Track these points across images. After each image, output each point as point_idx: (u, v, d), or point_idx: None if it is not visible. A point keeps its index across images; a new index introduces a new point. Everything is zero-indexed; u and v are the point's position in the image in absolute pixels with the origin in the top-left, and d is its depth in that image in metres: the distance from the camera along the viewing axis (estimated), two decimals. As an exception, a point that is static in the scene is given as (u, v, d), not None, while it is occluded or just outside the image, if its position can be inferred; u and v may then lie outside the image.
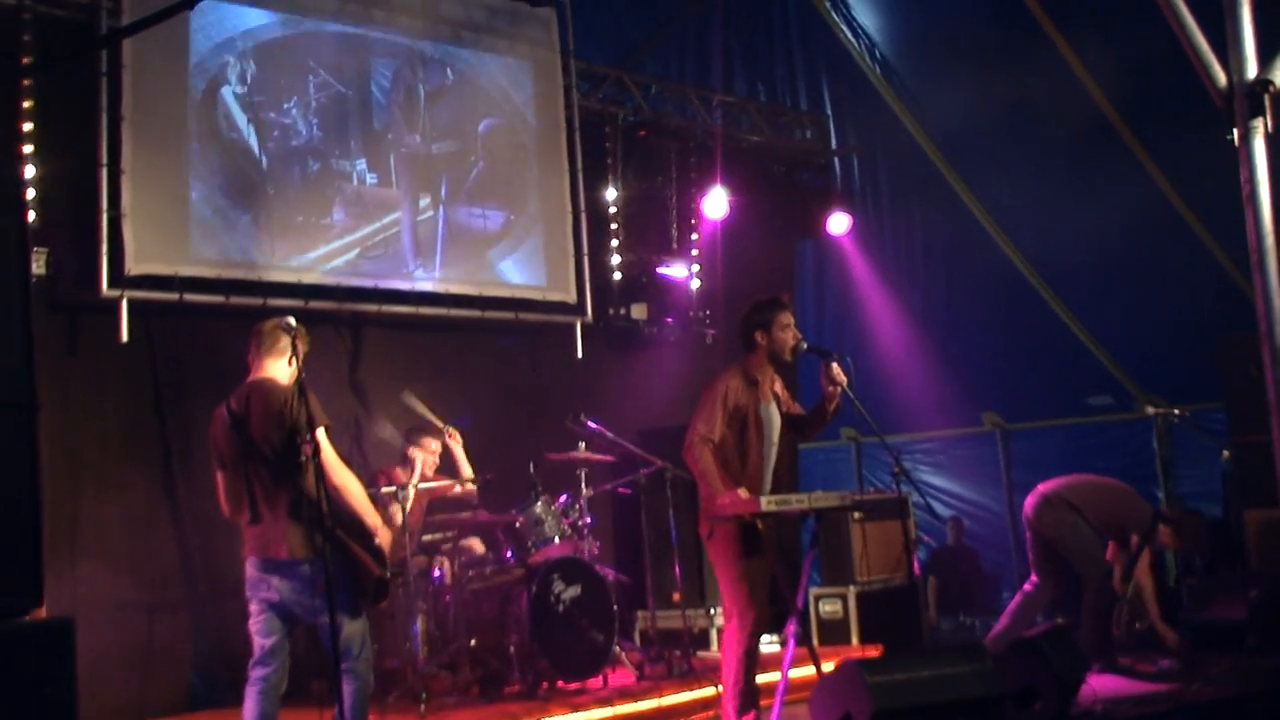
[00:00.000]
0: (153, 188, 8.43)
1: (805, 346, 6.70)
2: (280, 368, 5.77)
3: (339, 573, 5.46)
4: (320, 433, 5.48)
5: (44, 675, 4.46)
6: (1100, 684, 7.41)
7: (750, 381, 6.58)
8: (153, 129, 8.47)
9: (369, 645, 5.73)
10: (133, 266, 8.25)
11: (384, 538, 5.73)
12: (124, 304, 8.25)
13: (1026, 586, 8.97)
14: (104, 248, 8.17)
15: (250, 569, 5.68)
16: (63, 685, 4.55)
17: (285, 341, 5.67)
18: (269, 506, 5.60)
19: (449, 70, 10.24)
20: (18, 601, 4.50)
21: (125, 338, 8.27)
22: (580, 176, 10.85)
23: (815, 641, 9.57)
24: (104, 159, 8.23)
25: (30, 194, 7.76)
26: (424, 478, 8.46)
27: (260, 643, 5.66)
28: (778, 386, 6.74)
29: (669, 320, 11.62)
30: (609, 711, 7.47)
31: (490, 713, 7.30)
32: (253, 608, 5.69)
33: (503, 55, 10.58)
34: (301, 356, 5.62)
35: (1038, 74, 10.75)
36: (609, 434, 8.74)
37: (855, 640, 9.80)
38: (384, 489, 7.81)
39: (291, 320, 5.65)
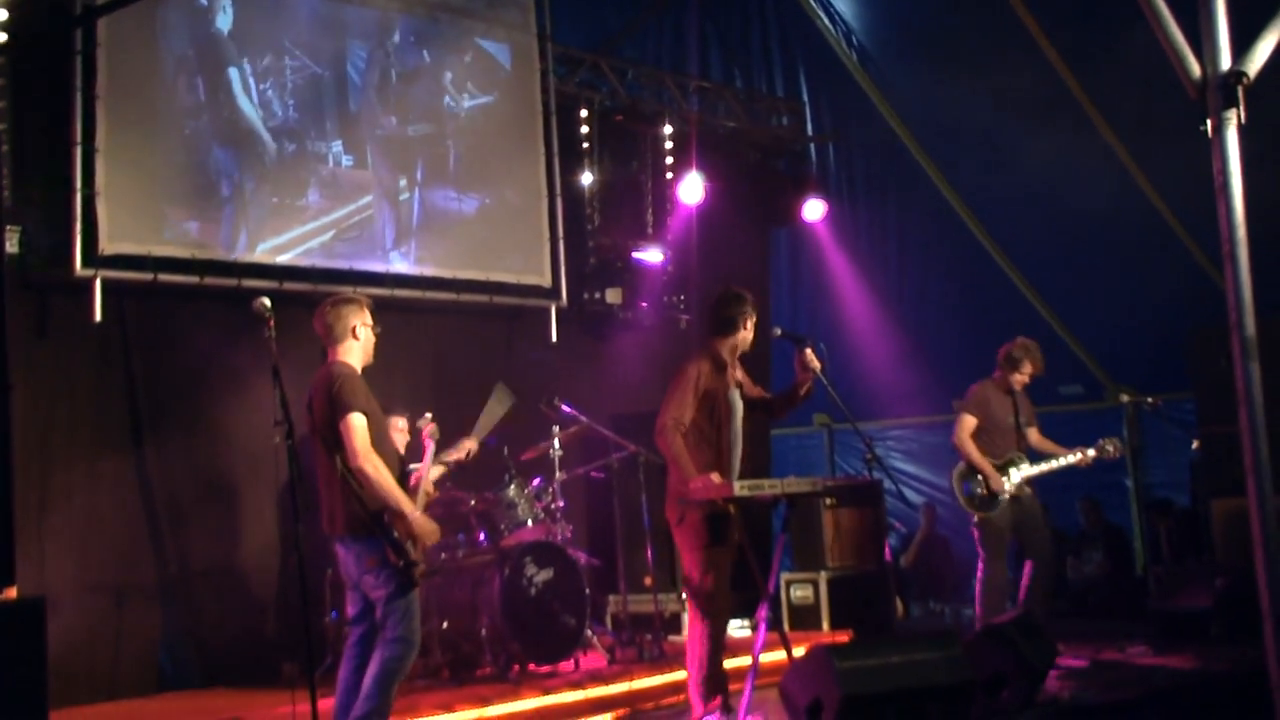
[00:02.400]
0: (127, 167, 8.39)
1: (779, 332, 6.72)
2: (350, 350, 5.85)
3: (383, 551, 5.57)
4: (356, 418, 5.55)
5: (14, 655, 4.46)
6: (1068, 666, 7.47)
7: (719, 366, 6.59)
8: (127, 108, 8.43)
9: (411, 623, 5.66)
10: (106, 246, 8.21)
11: (418, 526, 5.65)
12: (97, 284, 8.21)
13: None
14: (78, 227, 8.11)
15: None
16: (33, 665, 4.55)
17: (348, 324, 5.82)
18: (326, 482, 5.72)
19: (425, 53, 10.21)
20: (-11, 581, 4.50)
21: (98, 317, 8.22)
22: (556, 160, 10.83)
23: (786, 626, 9.60)
24: (78, 138, 8.17)
25: (3, 172, 7.71)
26: None
27: (349, 610, 5.88)
28: (739, 373, 6.77)
29: (643, 305, 11.62)
30: (580, 695, 7.48)
31: (461, 695, 7.29)
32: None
33: (479, 38, 10.55)
34: (273, 339, 5.63)
35: (1013, 63, 10.77)
36: (583, 418, 8.74)
37: (826, 625, 9.83)
38: None
39: (266, 301, 5.64)
